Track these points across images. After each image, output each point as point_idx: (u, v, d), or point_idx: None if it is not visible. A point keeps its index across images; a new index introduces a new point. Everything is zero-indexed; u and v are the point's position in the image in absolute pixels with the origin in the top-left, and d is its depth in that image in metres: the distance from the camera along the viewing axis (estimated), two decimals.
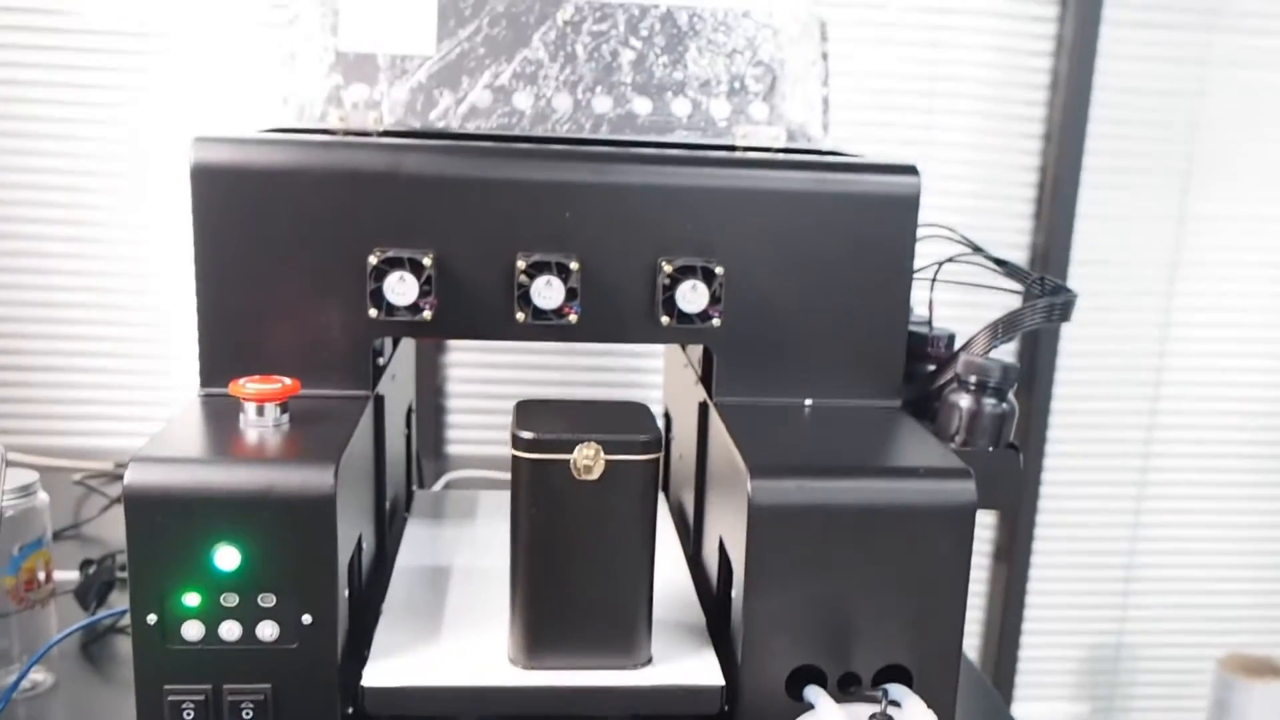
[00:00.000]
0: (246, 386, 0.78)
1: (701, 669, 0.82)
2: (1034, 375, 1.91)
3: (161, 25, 1.65)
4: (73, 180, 1.69)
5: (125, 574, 0.93)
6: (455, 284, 0.85)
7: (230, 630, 0.72)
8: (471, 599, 0.91)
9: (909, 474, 0.78)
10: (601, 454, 0.76)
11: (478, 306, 0.85)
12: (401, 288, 0.82)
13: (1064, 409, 1.96)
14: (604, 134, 0.95)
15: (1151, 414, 1.99)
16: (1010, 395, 0.87)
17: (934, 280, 0.98)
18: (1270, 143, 1.90)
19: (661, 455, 0.79)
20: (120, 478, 1.40)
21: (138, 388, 1.76)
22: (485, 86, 0.95)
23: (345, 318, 0.84)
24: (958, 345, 0.93)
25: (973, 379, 0.87)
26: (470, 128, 0.94)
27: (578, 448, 0.76)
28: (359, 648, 0.82)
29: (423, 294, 0.82)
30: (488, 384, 1.82)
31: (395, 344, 1.04)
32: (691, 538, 1.00)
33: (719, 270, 0.85)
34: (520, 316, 0.84)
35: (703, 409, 0.94)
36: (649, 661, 0.82)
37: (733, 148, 0.96)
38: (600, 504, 0.78)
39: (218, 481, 0.71)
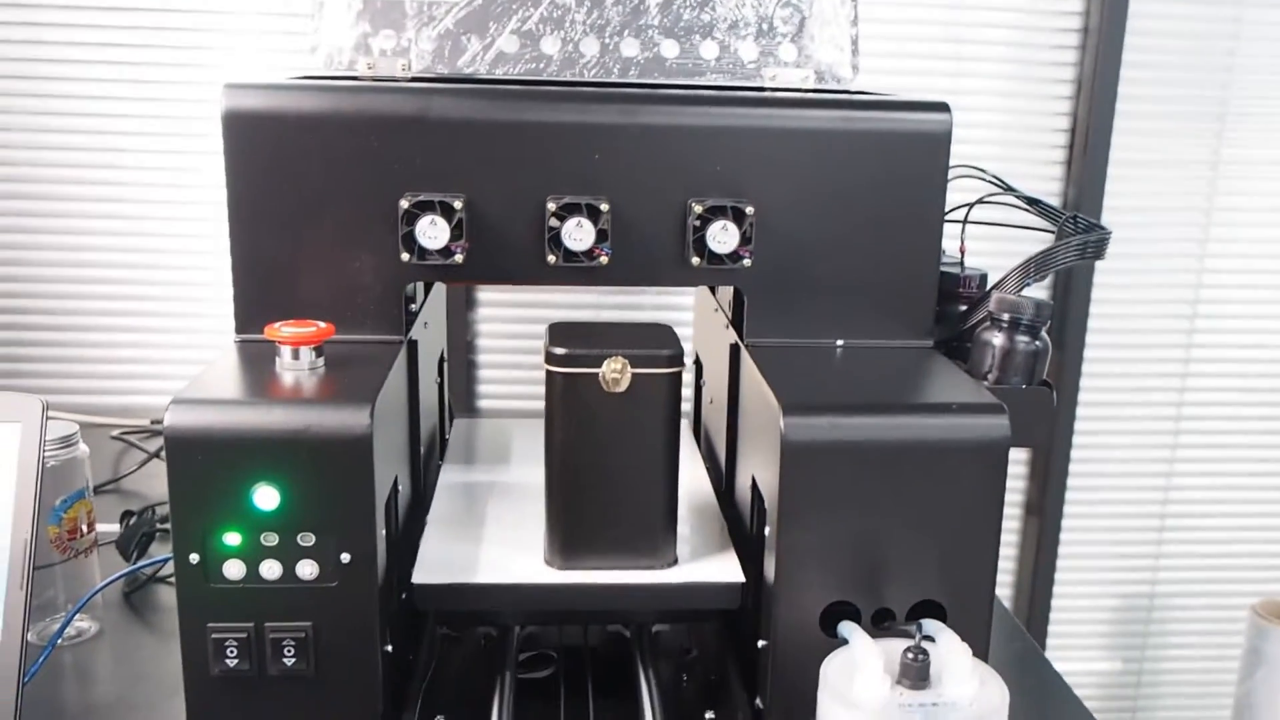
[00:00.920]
0: (282, 330, 0.79)
1: (723, 568, 0.88)
2: (1066, 324, 1.90)
3: None
4: (106, 141, 1.70)
5: (165, 526, 0.95)
6: (486, 227, 0.85)
7: (271, 569, 0.74)
8: (510, 510, 0.97)
9: (942, 410, 0.78)
10: (629, 367, 0.82)
11: (509, 250, 0.85)
12: (433, 231, 0.82)
13: (1097, 358, 1.95)
14: (632, 78, 0.95)
15: (1185, 361, 1.97)
16: (1043, 333, 0.87)
17: (965, 221, 0.97)
18: None
19: (683, 370, 0.85)
20: (158, 433, 1.42)
21: (175, 346, 1.78)
22: (512, 32, 0.94)
23: (378, 262, 0.85)
24: (990, 286, 0.92)
25: (1005, 316, 0.86)
26: (498, 73, 0.94)
27: (606, 361, 0.82)
28: (398, 587, 0.83)
29: (454, 237, 0.83)
30: (517, 339, 1.83)
31: (427, 291, 1.04)
32: (724, 480, 1.01)
33: (749, 210, 0.85)
34: (551, 259, 0.84)
35: (734, 351, 0.94)
36: (675, 562, 0.88)
37: (761, 89, 0.95)
38: (627, 415, 0.84)
39: (256, 422, 0.72)
